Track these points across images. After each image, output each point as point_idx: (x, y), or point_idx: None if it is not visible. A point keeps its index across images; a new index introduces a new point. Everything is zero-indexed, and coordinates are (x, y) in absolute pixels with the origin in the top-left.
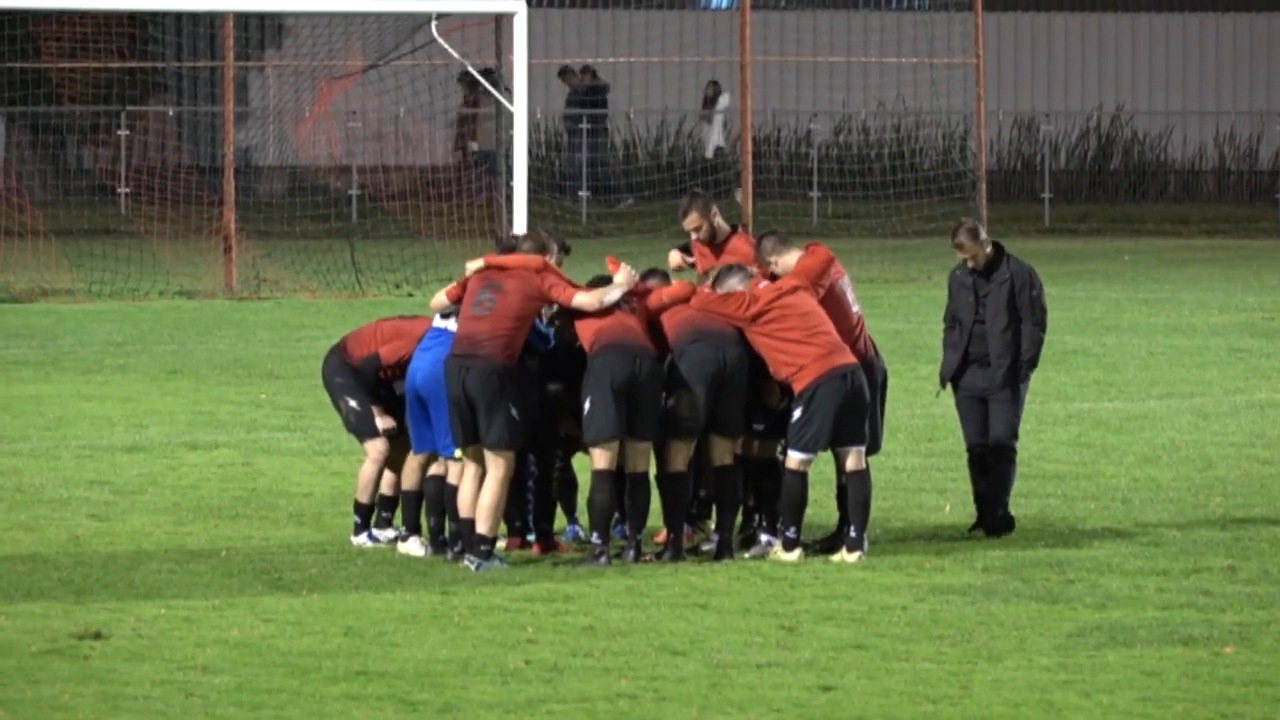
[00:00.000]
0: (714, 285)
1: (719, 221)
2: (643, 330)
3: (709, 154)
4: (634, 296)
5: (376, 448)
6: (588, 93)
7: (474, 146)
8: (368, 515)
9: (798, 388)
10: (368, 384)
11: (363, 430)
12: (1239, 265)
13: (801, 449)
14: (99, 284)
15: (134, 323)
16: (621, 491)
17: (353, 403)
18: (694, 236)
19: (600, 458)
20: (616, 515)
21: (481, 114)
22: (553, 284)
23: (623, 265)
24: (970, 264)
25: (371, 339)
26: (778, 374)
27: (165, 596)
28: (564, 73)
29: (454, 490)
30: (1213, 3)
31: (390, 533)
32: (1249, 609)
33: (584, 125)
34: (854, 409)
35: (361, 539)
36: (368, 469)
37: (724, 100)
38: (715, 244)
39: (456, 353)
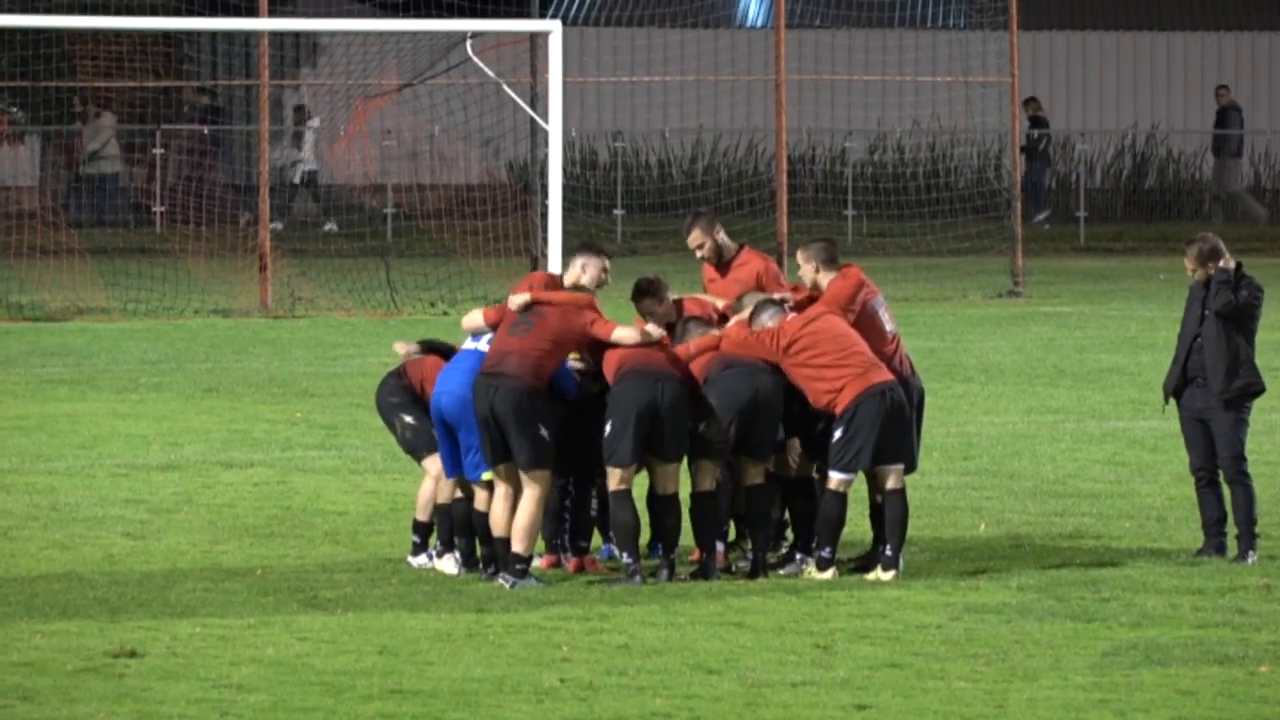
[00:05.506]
0: (750, 320)
1: (723, 239)
2: (667, 359)
3: (297, 179)
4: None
5: (435, 463)
6: (205, 112)
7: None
8: (427, 534)
9: (838, 410)
10: (425, 404)
11: (419, 446)
12: (1273, 283)
13: (842, 469)
14: (134, 302)
15: (169, 341)
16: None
17: (408, 418)
18: (699, 254)
19: (615, 478)
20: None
21: (93, 128)
22: (593, 319)
23: (649, 324)
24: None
25: (435, 365)
26: (817, 402)
27: (200, 615)
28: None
29: (483, 516)
30: (1248, 22)
31: (425, 559)
32: None
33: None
34: (894, 426)
35: (421, 559)
36: (426, 487)
37: (315, 120)
38: (722, 262)
39: (485, 371)
